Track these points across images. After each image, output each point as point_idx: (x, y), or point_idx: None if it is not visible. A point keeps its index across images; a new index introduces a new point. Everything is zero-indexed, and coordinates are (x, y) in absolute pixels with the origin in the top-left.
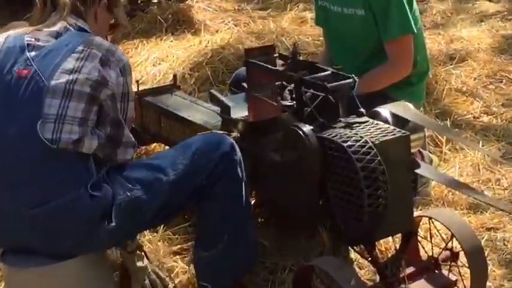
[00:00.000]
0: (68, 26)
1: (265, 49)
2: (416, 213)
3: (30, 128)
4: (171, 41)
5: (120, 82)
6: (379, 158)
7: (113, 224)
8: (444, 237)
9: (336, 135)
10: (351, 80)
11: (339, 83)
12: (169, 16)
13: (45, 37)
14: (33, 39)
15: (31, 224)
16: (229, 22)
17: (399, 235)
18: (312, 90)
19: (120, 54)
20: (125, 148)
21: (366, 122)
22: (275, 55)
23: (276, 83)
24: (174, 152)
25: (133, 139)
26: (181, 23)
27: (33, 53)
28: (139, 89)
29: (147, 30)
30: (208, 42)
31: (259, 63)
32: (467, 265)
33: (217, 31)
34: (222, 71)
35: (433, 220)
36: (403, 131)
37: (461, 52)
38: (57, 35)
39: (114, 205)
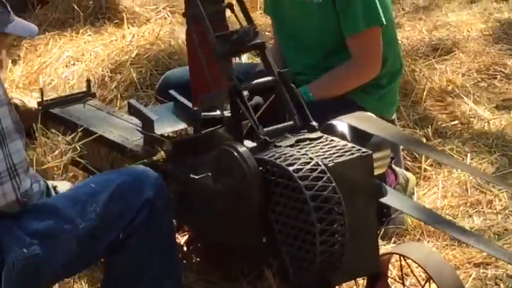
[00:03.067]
0: None
1: None
2: (385, 249)
3: None
4: (89, 35)
5: None
6: (333, 184)
7: None
8: (420, 278)
9: (280, 157)
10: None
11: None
12: (90, 3)
13: None
14: None
15: None
16: (163, 9)
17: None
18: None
19: None
20: (16, 176)
21: (319, 138)
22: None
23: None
24: (86, 194)
25: (26, 161)
26: (104, 11)
27: None
28: (45, 98)
29: (63, 21)
30: (133, 37)
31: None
32: None
33: (148, 20)
34: (150, 72)
35: (406, 258)
36: (364, 150)
37: (446, 42)
38: None
39: (5, 264)
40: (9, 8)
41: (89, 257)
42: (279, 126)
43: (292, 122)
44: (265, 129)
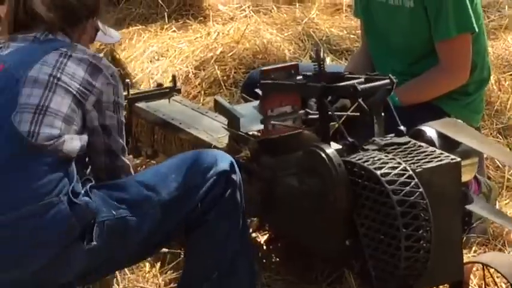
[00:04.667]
0: (47, 33)
1: (286, 69)
2: (466, 258)
3: (3, 121)
4: (174, 31)
5: (108, 90)
6: (421, 189)
7: (94, 243)
8: None
9: (368, 160)
10: (387, 81)
11: (372, 84)
12: None
13: (19, 41)
14: (5, 44)
15: None
16: (247, 7)
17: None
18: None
19: (106, 61)
20: (117, 158)
21: (407, 143)
22: (298, 77)
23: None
24: (165, 168)
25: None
26: (188, 8)
27: (5, 52)
28: (131, 92)
29: (146, 16)
30: (218, 34)
31: (274, 81)
32: None
33: (231, 19)
34: (234, 70)
35: (489, 268)
36: (453, 156)
37: None
38: (34, 39)
39: (96, 223)
40: None
41: (171, 226)
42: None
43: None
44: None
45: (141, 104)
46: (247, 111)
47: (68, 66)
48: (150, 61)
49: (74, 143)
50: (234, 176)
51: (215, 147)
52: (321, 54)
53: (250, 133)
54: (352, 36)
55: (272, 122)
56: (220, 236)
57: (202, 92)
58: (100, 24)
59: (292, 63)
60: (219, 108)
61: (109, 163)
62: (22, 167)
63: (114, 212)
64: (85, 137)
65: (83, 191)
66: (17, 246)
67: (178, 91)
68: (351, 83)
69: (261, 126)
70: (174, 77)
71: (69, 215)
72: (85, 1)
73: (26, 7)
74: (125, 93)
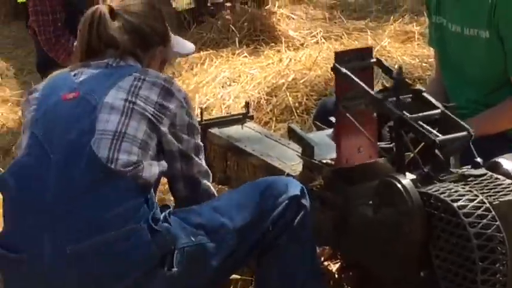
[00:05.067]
0: (119, 59)
1: (360, 52)
2: None
3: (81, 148)
4: (245, 57)
5: (182, 113)
6: (498, 223)
7: (175, 269)
8: None
9: (444, 192)
10: (465, 134)
11: (451, 136)
12: (245, 24)
13: (93, 68)
14: (80, 70)
15: (72, 263)
16: (317, 34)
17: None
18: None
19: (178, 85)
20: (198, 183)
21: (483, 175)
22: (372, 60)
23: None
24: (239, 194)
25: (208, 172)
26: (258, 33)
27: (80, 79)
28: (204, 118)
29: (217, 41)
30: (290, 61)
31: (351, 76)
32: None
33: (302, 45)
34: (306, 97)
35: None
36: None
37: None
38: (107, 66)
39: (176, 249)
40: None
41: (245, 252)
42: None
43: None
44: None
45: (214, 130)
46: (321, 139)
47: (142, 90)
48: (222, 86)
49: (153, 169)
50: (304, 201)
51: (288, 174)
52: (401, 74)
53: (324, 161)
54: (424, 64)
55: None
56: (291, 260)
57: (274, 119)
58: (172, 36)
59: (367, 46)
60: (292, 135)
61: (189, 188)
62: (102, 193)
63: (193, 239)
64: (164, 164)
65: (162, 217)
66: (99, 270)
67: (251, 117)
68: (430, 136)
69: (335, 155)
70: (247, 103)
71: (150, 242)
72: (156, 28)
73: (99, 32)
74: (199, 119)
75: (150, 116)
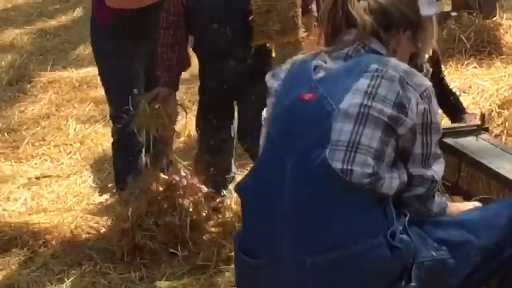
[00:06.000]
0: (360, 47)
1: None
2: None
3: (316, 158)
4: (475, 67)
5: (420, 110)
6: None
7: (413, 284)
8: None
9: None
10: None
11: None
12: (471, 35)
13: (333, 59)
14: (320, 62)
15: (311, 274)
16: None
17: None
18: None
19: (420, 77)
20: (430, 195)
21: None
22: None
23: None
24: (487, 212)
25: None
26: (485, 44)
27: (319, 75)
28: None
29: (443, 50)
30: None
31: None
32: None
33: None
34: None
35: None
36: None
37: None
38: (346, 57)
39: (414, 264)
40: None
41: (488, 272)
42: None
43: None
44: None
45: (448, 140)
46: None
47: (380, 89)
48: None
49: (393, 182)
50: None
51: None
52: None
53: None
54: None
55: None
56: None
57: (505, 132)
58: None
59: None
60: None
61: (424, 194)
62: (338, 206)
63: (433, 253)
64: (402, 172)
65: (400, 228)
66: (335, 284)
67: (486, 129)
68: None
69: None
70: (483, 115)
71: (389, 257)
72: (404, 12)
73: (344, 10)
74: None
75: (386, 119)
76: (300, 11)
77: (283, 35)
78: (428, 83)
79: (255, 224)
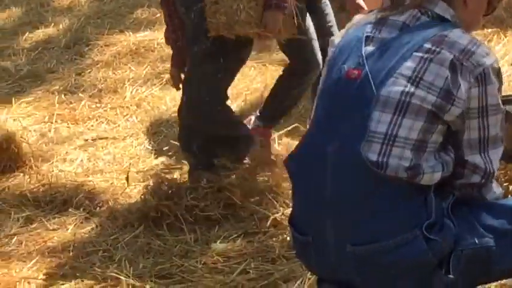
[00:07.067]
0: (420, 13)
1: None
2: None
3: (352, 147)
4: None
5: (473, 94)
6: None
7: (451, 277)
8: None
9: None
10: None
11: None
12: None
13: (388, 28)
14: (374, 31)
15: (353, 261)
16: None
17: None
18: None
19: (479, 55)
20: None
21: None
22: None
23: None
24: None
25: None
26: None
27: (369, 48)
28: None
29: (501, 19)
30: None
31: None
32: None
33: None
34: None
35: None
36: None
37: None
38: (403, 26)
39: (454, 251)
40: None
41: None
42: None
43: None
44: None
45: (508, 107)
46: None
47: (427, 73)
48: (511, 64)
49: (435, 175)
50: None
51: None
52: None
53: None
54: None
55: None
56: None
57: None
58: None
59: None
60: None
61: (480, 182)
62: (373, 199)
63: (476, 241)
64: (450, 162)
65: (443, 211)
66: (373, 275)
67: None
68: None
69: None
70: None
71: (425, 250)
72: None
73: None
74: None
75: (430, 107)
76: (254, 4)
77: (229, 28)
78: (489, 61)
79: (302, 204)
